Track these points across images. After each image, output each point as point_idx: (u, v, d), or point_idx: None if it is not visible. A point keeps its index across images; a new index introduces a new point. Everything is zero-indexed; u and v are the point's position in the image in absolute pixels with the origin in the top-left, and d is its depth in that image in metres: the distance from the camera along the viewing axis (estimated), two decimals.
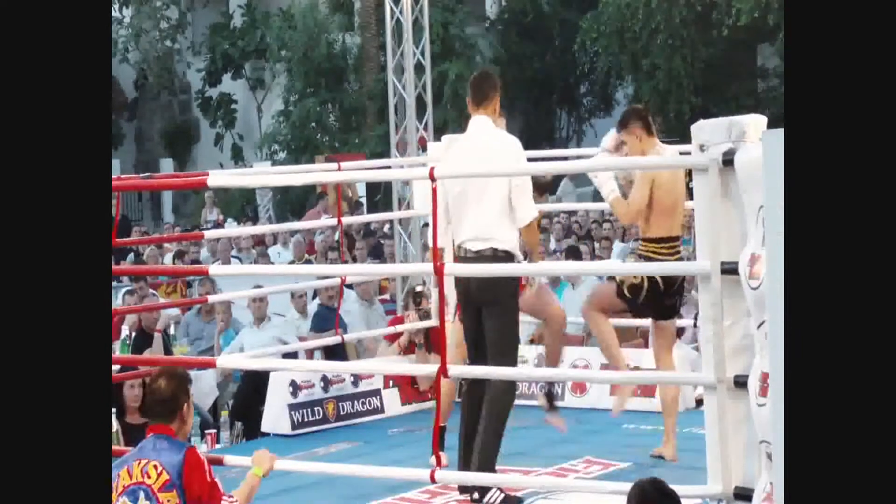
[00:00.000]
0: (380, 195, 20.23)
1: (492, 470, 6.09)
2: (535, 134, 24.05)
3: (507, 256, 6.32)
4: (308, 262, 13.96)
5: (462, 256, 6.40)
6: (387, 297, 12.39)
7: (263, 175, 10.80)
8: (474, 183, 6.28)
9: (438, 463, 5.91)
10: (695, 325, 8.03)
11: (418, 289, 9.04)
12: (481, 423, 6.25)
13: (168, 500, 4.60)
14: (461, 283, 6.44)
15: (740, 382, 4.89)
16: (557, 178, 20.40)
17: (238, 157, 28.54)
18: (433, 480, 5.91)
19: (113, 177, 6.46)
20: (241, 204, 24.83)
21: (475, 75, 6.80)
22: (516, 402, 8.51)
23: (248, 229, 16.17)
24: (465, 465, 6.32)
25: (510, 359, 6.31)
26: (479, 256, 6.31)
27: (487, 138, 6.40)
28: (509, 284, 6.36)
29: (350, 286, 10.69)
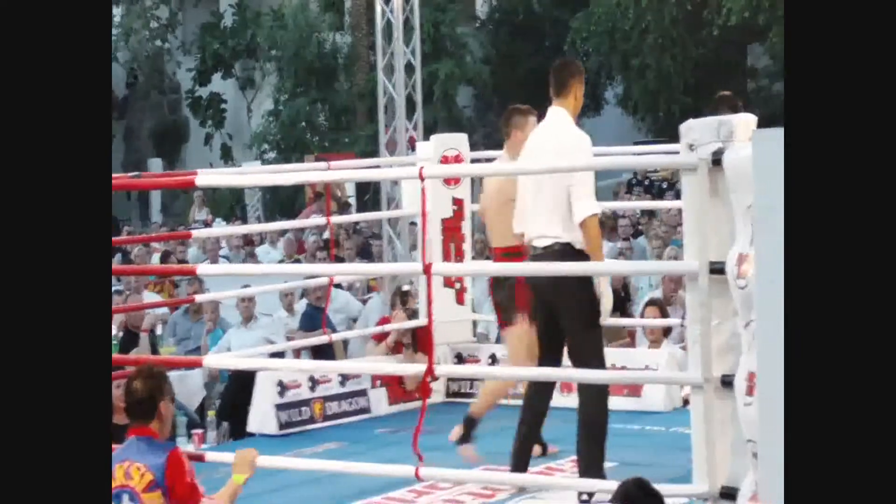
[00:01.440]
0: (369, 195, 20.21)
1: (597, 477, 5.95)
2: None
3: (578, 253, 6.10)
4: (297, 261, 13.94)
5: (532, 255, 6.29)
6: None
7: (252, 174, 10.77)
8: (536, 178, 6.17)
9: (420, 460, 5.88)
10: (682, 325, 8.03)
11: (405, 288, 9.02)
12: (579, 433, 6.20)
13: (152, 501, 4.58)
14: (531, 283, 6.34)
15: (727, 382, 4.88)
16: None
17: (227, 157, 28.52)
18: (418, 478, 5.89)
19: None
20: (230, 203, 24.80)
21: (556, 63, 6.62)
22: (513, 402, 8.55)
23: (237, 229, 16.14)
24: (517, 464, 6.32)
25: (595, 361, 6.14)
26: (547, 253, 6.15)
27: (559, 132, 6.24)
28: (581, 282, 6.15)
29: (339, 286, 10.67)
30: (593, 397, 6.18)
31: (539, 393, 6.45)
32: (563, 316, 6.19)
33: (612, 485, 4.93)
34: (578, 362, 6.16)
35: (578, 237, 6.09)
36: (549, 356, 6.34)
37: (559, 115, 6.31)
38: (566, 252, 6.09)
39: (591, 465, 6.09)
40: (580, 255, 6.08)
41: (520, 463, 6.37)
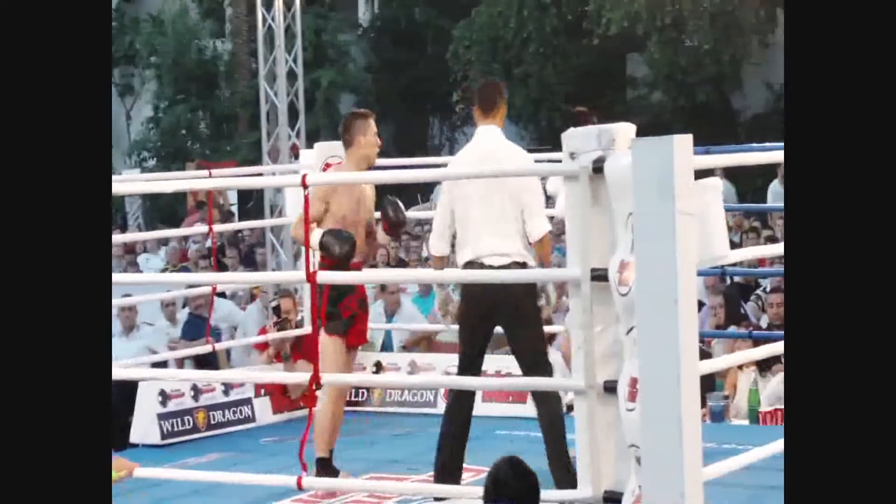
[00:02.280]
0: (251, 203, 20.08)
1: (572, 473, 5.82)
2: (408, 141, 24.07)
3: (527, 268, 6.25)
4: (184, 269, 13.81)
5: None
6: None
7: (133, 182, 10.66)
8: (484, 197, 6.18)
9: (304, 469, 5.86)
10: (565, 331, 8.11)
11: (274, 303, 8.98)
12: (547, 437, 6.25)
13: None
14: (476, 298, 6.27)
15: (610, 388, 4.93)
16: (431, 186, 20.45)
17: None
18: (300, 487, 5.86)
19: None
20: None
21: (482, 84, 6.68)
22: (403, 409, 8.54)
23: (117, 237, 15.89)
24: (448, 477, 6.25)
25: (544, 367, 6.27)
26: (504, 270, 6.20)
27: (498, 149, 6.28)
28: (531, 294, 6.27)
29: (223, 295, 10.59)
30: (551, 399, 6.31)
31: (461, 402, 6.42)
32: (517, 325, 6.25)
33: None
34: (531, 368, 6.23)
35: (531, 253, 6.24)
36: (473, 366, 6.39)
37: (492, 133, 6.37)
38: (523, 268, 6.23)
39: (565, 463, 6.13)
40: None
41: (450, 477, 6.27)
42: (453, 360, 8.81)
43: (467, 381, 6.29)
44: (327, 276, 6.80)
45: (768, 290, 10.13)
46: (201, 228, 12.01)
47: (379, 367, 8.94)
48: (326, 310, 6.73)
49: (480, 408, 7.96)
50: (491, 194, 6.17)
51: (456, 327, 6.66)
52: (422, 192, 20.02)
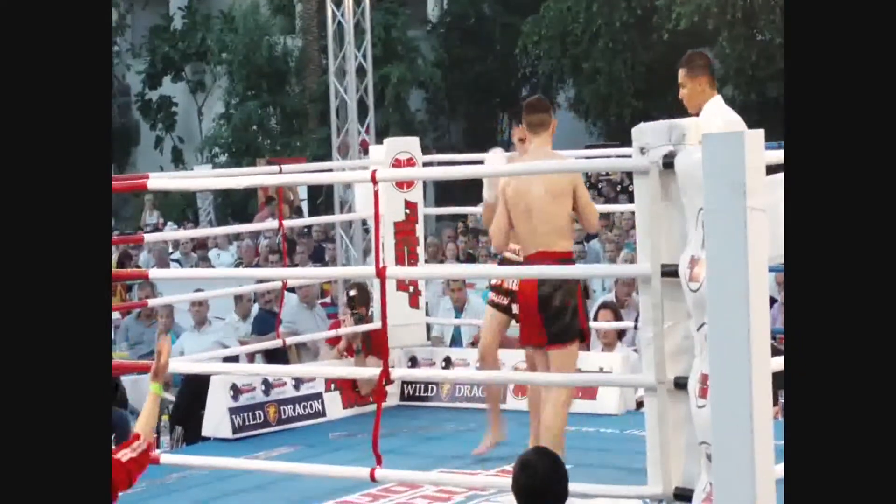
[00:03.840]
0: (321, 198, 20.18)
1: None
2: (477, 137, 24.08)
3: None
4: (257, 265, 13.91)
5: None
6: (328, 300, 12.36)
7: (204, 178, 10.74)
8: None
9: (378, 462, 5.87)
10: (635, 328, 8.08)
11: (352, 293, 9.00)
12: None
13: None
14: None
15: (680, 384, 4.91)
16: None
17: (178, 160, 28.37)
18: (373, 479, 5.89)
19: None
20: (181, 207, 24.68)
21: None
22: (472, 405, 8.53)
23: (189, 232, 16.07)
24: None
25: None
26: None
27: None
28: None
29: (292, 290, 10.65)
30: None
31: None
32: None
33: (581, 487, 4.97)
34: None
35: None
36: None
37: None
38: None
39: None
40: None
41: None
42: (522, 355, 8.83)
43: (533, 377, 6.27)
44: (398, 272, 6.84)
45: None
46: (272, 224, 12.10)
47: (448, 363, 8.95)
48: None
49: (511, 403, 8.00)
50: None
51: None
52: None
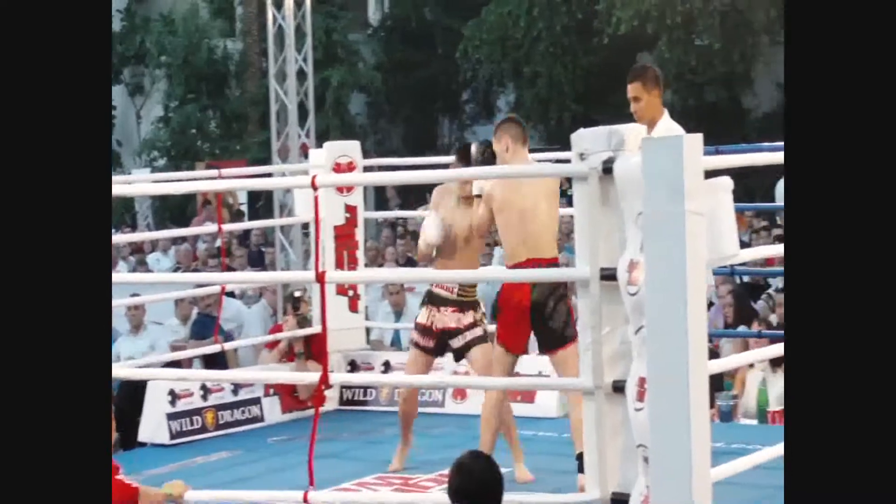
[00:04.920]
0: (261, 202, 20.08)
1: None
2: (418, 141, 24.07)
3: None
4: (196, 270, 13.82)
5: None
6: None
7: (142, 183, 10.68)
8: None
9: (311, 482, 5.75)
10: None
11: (297, 294, 8.97)
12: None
13: None
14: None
15: (618, 388, 4.93)
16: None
17: (117, 164, 28.09)
18: (305, 502, 5.74)
19: None
20: (119, 211, 24.47)
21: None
22: (398, 408, 8.47)
23: (126, 236, 15.94)
24: None
25: None
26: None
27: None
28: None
29: (231, 294, 10.59)
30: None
31: None
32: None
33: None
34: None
35: None
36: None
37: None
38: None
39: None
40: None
41: None
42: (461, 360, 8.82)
43: (475, 381, 6.28)
44: (338, 276, 6.82)
45: (777, 289, 10.11)
46: (210, 228, 12.02)
47: (387, 367, 8.94)
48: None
49: (451, 407, 7.99)
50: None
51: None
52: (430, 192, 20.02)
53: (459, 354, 7.05)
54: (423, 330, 7.03)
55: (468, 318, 6.92)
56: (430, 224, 6.90)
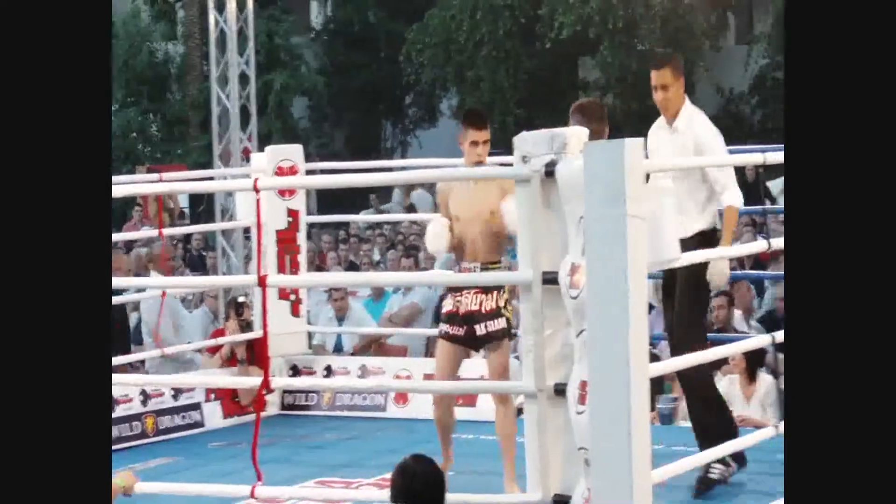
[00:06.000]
0: (202, 206, 19.97)
1: (715, 443, 5.76)
2: (361, 144, 24.04)
3: None
4: (138, 274, 13.70)
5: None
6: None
7: None
8: None
9: (259, 478, 5.80)
10: (516, 335, 8.10)
11: (240, 299, 8.92)
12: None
13: None
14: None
15: (560, 391, 4.94)
16: (388, 189, 20.41)
17: None
18: (253, 497, 5.79)
19: None
20: None
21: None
22: (353, 413, 8.46)
23: None
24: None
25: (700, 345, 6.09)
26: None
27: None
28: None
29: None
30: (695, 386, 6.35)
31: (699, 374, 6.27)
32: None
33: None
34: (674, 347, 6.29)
35: None
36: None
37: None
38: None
39: (707, 435, 6.11)
40: None
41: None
42: (403, 364, 8.83)
43: (416, 386, 6.27)
44: (280, 280, 6.79)
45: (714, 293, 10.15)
46: (151, 232, 11.93)
47: (329, 371, 8.91)
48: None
49: (429, 411, 7.95)
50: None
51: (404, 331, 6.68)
52: (376, 195, 19.99)
53: (481, 344, 6.58)
54: (450, 318, 6.54)
55: (490, 302, 6.44)
56: (434, 233, 6.54)
